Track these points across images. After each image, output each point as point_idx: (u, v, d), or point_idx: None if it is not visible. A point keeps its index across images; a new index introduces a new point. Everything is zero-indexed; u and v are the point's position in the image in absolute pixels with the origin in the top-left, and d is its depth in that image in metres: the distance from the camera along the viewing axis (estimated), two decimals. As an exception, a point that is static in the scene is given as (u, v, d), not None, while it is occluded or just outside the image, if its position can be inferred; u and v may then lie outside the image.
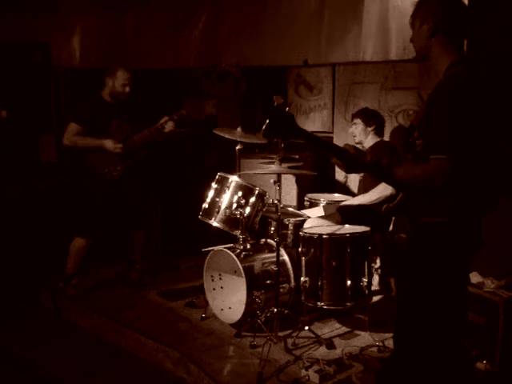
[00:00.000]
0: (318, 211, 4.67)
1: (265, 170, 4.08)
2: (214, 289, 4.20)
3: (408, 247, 2.58)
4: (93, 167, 4.57)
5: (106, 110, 4.61)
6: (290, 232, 4.36)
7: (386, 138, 5.12)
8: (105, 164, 4.52)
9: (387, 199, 4.23)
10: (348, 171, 2.44)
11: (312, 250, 3.71)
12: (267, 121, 2.19)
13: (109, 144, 4.50)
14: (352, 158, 2.38)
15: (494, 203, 2.43)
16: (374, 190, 4.29)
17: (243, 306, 3.85)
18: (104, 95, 4.66)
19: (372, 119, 4.56)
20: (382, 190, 4.23)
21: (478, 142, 2.32)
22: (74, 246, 4.66)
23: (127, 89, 4.61)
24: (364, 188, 4.52)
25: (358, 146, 4.71)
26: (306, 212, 4.62)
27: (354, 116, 4.66)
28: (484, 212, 2.41)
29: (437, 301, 2.42)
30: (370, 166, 2.39)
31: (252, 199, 4.10)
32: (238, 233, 4.08)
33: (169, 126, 4.62)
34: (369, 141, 4.57)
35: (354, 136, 4.63)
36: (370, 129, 4.55)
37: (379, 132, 4.60)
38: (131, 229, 4.92)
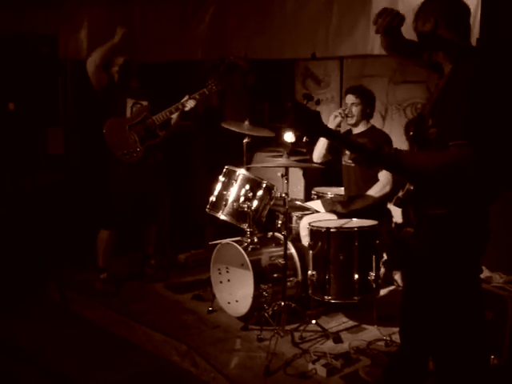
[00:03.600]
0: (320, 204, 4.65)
1: (272, 164, 4.07)
2: (221, 282, 4.21)
3: (415, 241, 2.56)
4: (113, 148, 4.51)
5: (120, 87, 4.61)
6: (297, 225, 4.35)
7: (396, 131, 5.11)
8: (124, 145, 4.50)
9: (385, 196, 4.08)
10: (369, 166, 2.39)
11: (319, 243, 3.71)
12: (293, 117, 2.15)
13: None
14: (372, 153, 2.32)
15: (499, 192, 2.41)
16: (374, 188, 4.07)
17: (250, 300, 3.86)
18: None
19: (371, 101, 4.18)
20: (381, 188, 4.04)
21: (495, 131, 2.30)
22: (98, 238, 4.69)
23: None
24: (348, 182, 4.33)
25: (339, 128, 4.27)
26: (309, 204, 4.61)
27: (353, 93, 4.14)
28: (491, 201, 2.39)
29: (450, 294, 2.39)
30: (387, 157, 2.31)
31: (259, 192, 4.09)
32: (245, 226, 4.07)
33: (190, 104, 4.55)
34: (361, 126, 4.21)
35: (352, 116, 4.13)
36: (367, 111, 4.15)
37: (371, 115, 4.22)
38: (146, 222, 4.88)
